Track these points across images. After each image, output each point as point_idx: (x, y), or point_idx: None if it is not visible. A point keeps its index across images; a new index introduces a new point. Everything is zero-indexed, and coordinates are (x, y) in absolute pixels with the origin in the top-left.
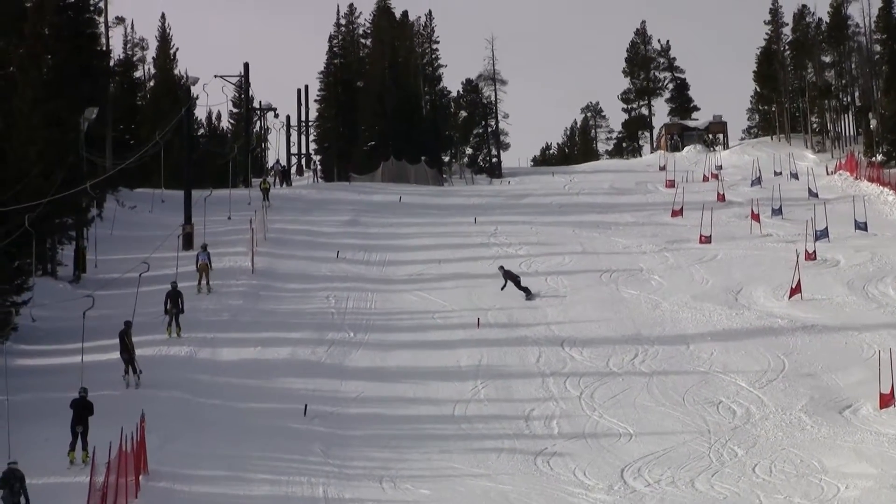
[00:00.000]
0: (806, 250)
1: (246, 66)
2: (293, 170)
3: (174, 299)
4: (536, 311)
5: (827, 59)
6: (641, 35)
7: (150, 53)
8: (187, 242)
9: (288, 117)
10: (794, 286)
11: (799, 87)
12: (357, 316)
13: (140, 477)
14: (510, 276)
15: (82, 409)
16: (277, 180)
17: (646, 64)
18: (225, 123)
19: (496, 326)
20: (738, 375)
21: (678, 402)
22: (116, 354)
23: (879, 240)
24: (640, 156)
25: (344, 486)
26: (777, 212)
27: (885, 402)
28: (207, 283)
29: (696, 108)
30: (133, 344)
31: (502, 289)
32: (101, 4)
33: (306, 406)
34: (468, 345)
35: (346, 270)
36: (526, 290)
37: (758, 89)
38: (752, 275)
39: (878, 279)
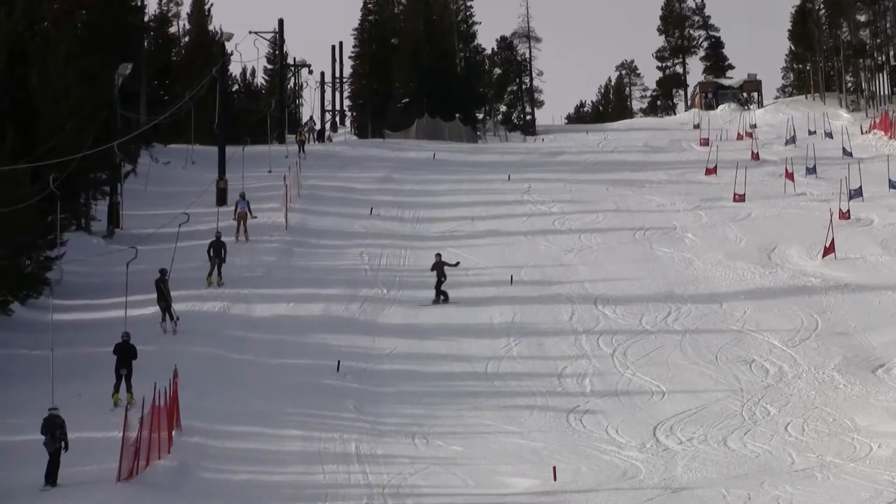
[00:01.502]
0: (840, 209)
1: (280, 22)
2: (328, 126)
3: (217, 249)
4: (569, 269)
5: (862, 17)
6: None
7: (185, 9)
8: (221, 198)
9: (322, 74)
10: (827, 245)
11: (833, 45)
12: (390, 273)
13: (173, 432)
14: (438, 269)
15: (126, 353)
16: (312, 137)
17: (681, 22)
18: (259, 80)
19: (529, 284)
20: (771, 334)
21: (711, 361)
22: (151, 309)
23: None
24: (675, 114)
25: (376, 442)
26: (811, 171)
27: None
28: (245, 231)
29: (730, 67)
30: (170, 291)
31: (432, 269)
32: None
33: (339, 362)
34: (501, 302)
35: (380, 227)
36: (438, 293)
37: (792, 48)
38: (785, 234)
39: None
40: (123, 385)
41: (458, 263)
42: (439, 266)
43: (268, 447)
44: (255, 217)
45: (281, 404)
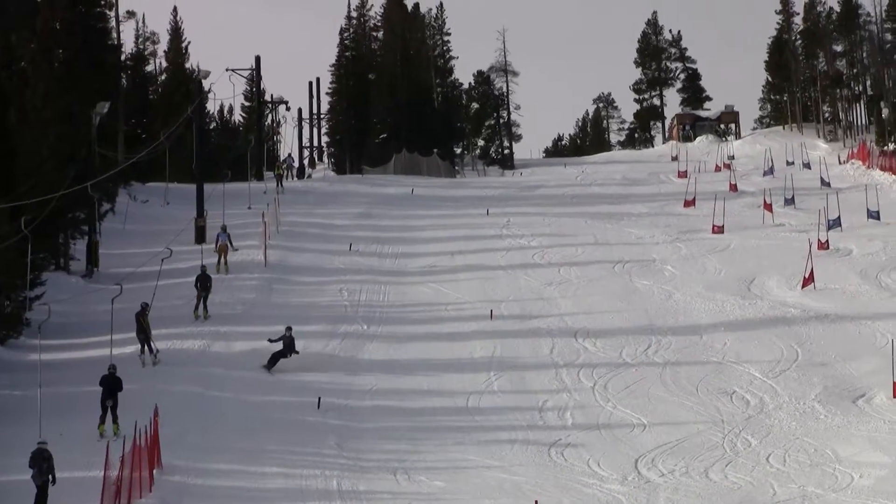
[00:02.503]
0: (819, 240)
1: (257, 59)
2: (306, 162)
3: (203, 282)
4: (549, 303)
5: (838, 48)
6: (653, 25)
7: (162, 47)
8: (200, 236)
9: (300, 110)
10: (807, 276)
11: (810, 76)
12: (370, 308)
13: (154, 471)
14: (286, 345)
15: (112, 385)
16: (291, 174)
17: (657, 54)
18: (237, 117)
19: (509, 318)
20: (751, 365)
21: (692, 393)
22: (132, 347)
23: (892, 228)
24: (653, 146)
25: (358, 478)
26: (790, 201)
27: None
28: (226, 263)
29: (707, 98)
30: (149, 324)
31: (271, 340)
32: None
33: (320, 399)
34: (481, 336)
35: (359, 263)
36: (273, 362)
37: (769, 79)
38: (764, 264)
39: (892, 268)
40: (109, 416)
41: (297, 352)
42: (287, 342)
43: (249, 484)
44: (237, 249)
45: (262, 441)
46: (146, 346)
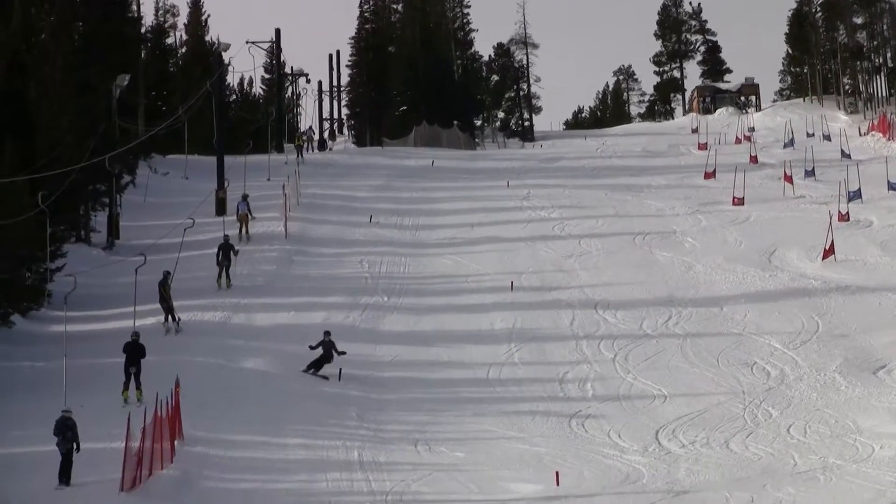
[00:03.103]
0: (839, 211)
1: (277, 31)
2: (326, 134)
3: (226, 251)
4: (569, 275)
5: (858, 20)
6: None
7: (182, 20)
8: (220, 208)
9: (320, 83)
10: (827, 247)
11: (831, 48)
12: (390, 280)
13: (175, 442)
14: (326, 350)
15: (135, 351)
16: (311, 146)
17: (677, 27)
18: (257, 89)
19: (529, 290)
20: (771, 337)
21: (712, 364)
22: (152, 319)
23: None
24: (673, 118)
25: (379, 449)
26: (810, 173)
27: None
28: (247, 232)
29: (728, 71)
30: (170, 294)
31: (311, 347)
32: None
33: (340, 370)
34: (502, 308)
35: (380, 235)
36: (315, 366)
37: (790, 51)
38: (785, 236)
39: None
40: (133, 383)
41: (344, 352)
42: (327, 346)
43: (271, 456)
44: (254, 218)
45: (283, 413)
46: (169, 315)
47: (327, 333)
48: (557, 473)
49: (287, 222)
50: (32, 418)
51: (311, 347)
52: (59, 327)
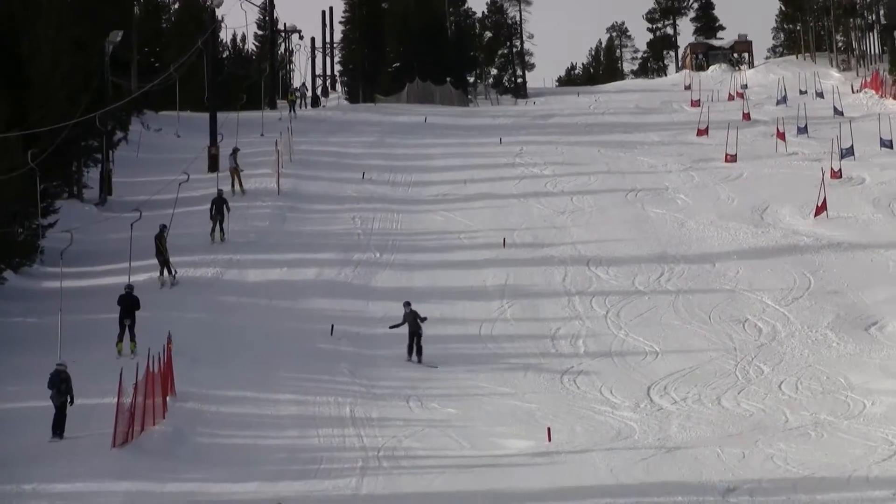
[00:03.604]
0: (832, 168)
1: None
2: (319, 91)
3: (219, 206)
4: (562, 231)
5: None
6: None
7: None
8: (213, 164)
9: (312, 39)
10: (819, 204)
11: (824, 5)
12: (383, 237)
13: (167, 398)
14: (412, 323)
15: (129, 304)
16: (304, 103)
17: None
18: (250, 46)
19: (522, 246)
20: (763, 293)
21: (704, 321)
22: (145, 275)
23: None
24: (665, 75)
25: (371, 405)
26: (802, 130)
27: None
28: (240, 184)
29: (721, 28)
30: (167, 247)
31: (391, 327)
32: None
33: (333, 326)
34: (494, 265)
35: (372, 191)
36: (416, 351)
37: (783, 8)
38: (777, 193)
39: None
40: (127, 335)
41: (425, 318)
42: (411, 317)
43: (262, 412)
44: (242, 170)
45: (275, 369)
46: (165, 269)
47: (407, 304)
48: (549, 429)
49: (280, 178)
50: (26, 374)
51: (392, 327)
52: (51, 283)
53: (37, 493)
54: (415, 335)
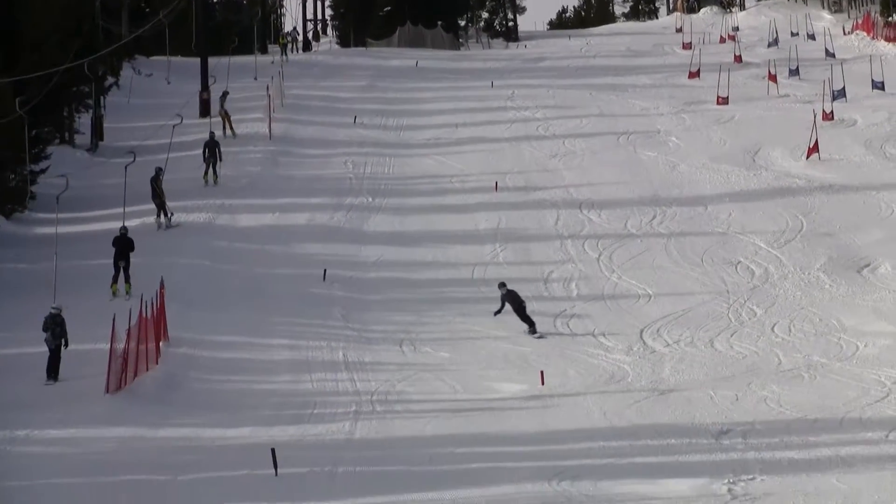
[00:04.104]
0: (823, 110)
1: None
2: (310, 35)
3: (211, 148)
4: (554, 175)
5: None
6: None
7: None
8: (205, 109)
9: None
10: (811, 146)
11: None
12: (375, 181)
13: (160, 344)
14: (512, 301)
15: (123, 245)
16: (295, 47)
17: None
18: None
19: (514, 190)
20: (756, 236)
21: (697, 263)
22: (137, 221)
23: None
24: (657, 18)
25: (364, 349)
26: (794, 72)
27: None
28: (231, 128)
29: None
30: (163, 189)
31: (495, 314)
32: None
33: (325, 271)
34: (486, 208)
35: (364, 136)
36: (531, 323)
37: None
38: (769, 135)
39: None
40: (122, 277)
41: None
42: (510, 298)
43: (256, 356)
44: (228, 112)
45: (268, 314)
46: (161, 211)
47: (503, 285)
48: (542, 373)
49: (271, 123)
50: (18, 320)
51: (496, 313)
52: (42, 229)
53: (30, 439)
54: (521, 309)
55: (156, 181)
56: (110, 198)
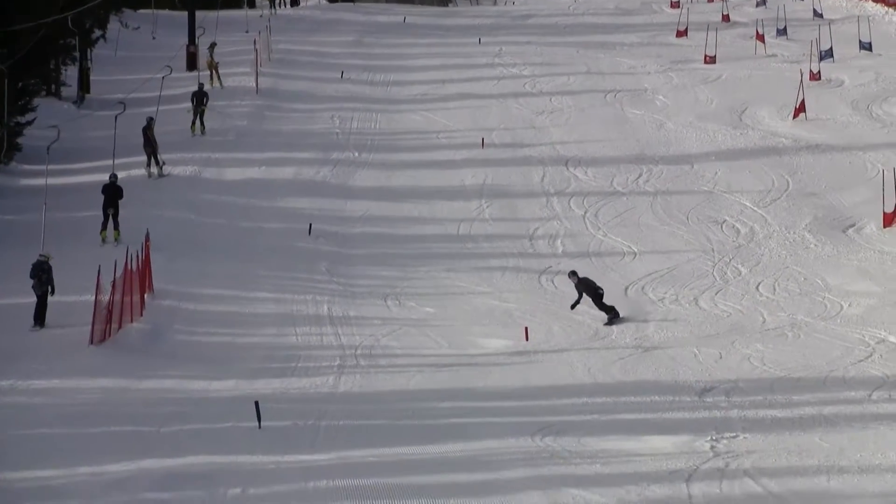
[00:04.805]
0: (810, 70)
1: None
2: None
3: (199, 98)
4: (541, 132)
5: None
6: None
7: None
8: (192, 63)
9: None
10: (798, 106)
11: None
12: (361, 136)
13: (145, 296)
14: (588, 289)
15: (113, 193)
16: (282, 1)
17: None
18: None
19: (501, 146)
20: (742, 195)
21: (682, 222)
22: (123, 173)
23: (884, 60)
24: None
25: (349, 303)
26: (781, 32)
27: (888, 220)
28: (219, 79)
29: None
30: (155, 138)
31: (573, 307)
32: None
33: (311, 225)
34: (472, 164)
35: (351, 91)
36: (611, 310)
37: None
38: (756, 95)
39: (883, 99)
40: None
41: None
42: (585, 286)
43: (240, 309)
44: (218, 63)
45: (253, 267)
46: (153, 159)
47: (573, 274)
48: (527, 329)
49: (258, 77)
50: (2, 271)
51: (573, 306)
52: (28, 181)
53: (14, 389)
54: (600, 297)
55: (148, 130)
56: (97, 150)
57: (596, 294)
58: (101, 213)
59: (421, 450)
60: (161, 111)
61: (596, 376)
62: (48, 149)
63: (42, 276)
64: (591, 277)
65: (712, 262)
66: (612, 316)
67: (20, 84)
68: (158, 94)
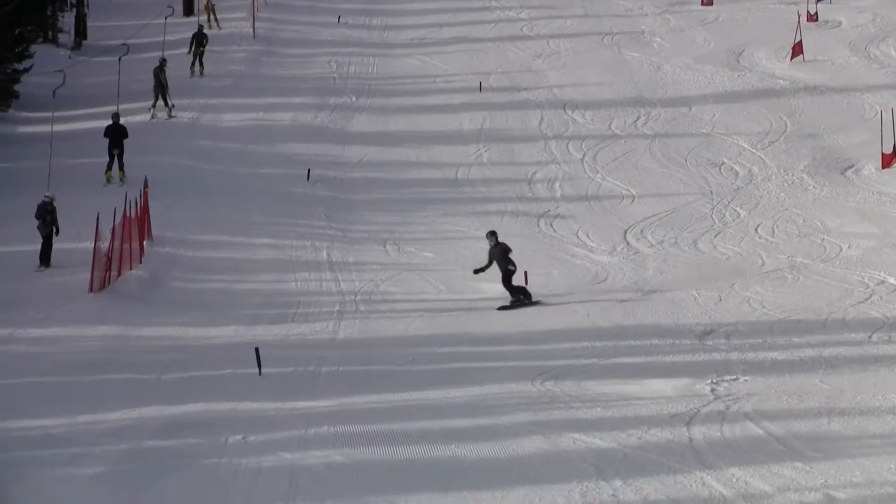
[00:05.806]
0: (808, 11)
1: None
2: None
3: (199, 39)
4: (538, 75)
5: None
6: None
7: None
8: (188, 8)
9: None
10: (795, 47)
11: None
12: (359, 81)
13: (144, 243)
14: (500, 260)
15: (117, 133)
16: None
17: None
18: None
19: (498, 90)
20: (740, 137)
21: (681, 164)
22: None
23: (881, 0)
24: None
25: (348, 249)
26: None
27: (886, 162)
28: (216, 20)
29: None
30: (167, 79)
31: (476, 272)
32: None
33: (309, 170)
34: (470, 108)
35: (348, 35)
36: (517, 291)
37: None
38: (753, 36)
39: (880, 40)
40: (116, 164)
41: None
42: (498, 253)
43: (239, 256)
44: (214, 4)
45: (251, 213)
46: (162, 100)
47: (492, 234)
48: (526, 273)
49: (255, 22)
50: (3, 218)
51: (476, 271)
52: (26, 128)
53: (13, 338)
54: (510, 269)
55: (160, 71)
56: (95, 97)
57: (506, 269)
58: (100, 159)
59: (421, 395)
60: (157, 56)
61: (596, 320)
62: (54, 92)
63: (47, 217)
64: (510, 248)
65: (711, 205)
66: (516, 300)
67: (17, 31)
68: (162, 38)
